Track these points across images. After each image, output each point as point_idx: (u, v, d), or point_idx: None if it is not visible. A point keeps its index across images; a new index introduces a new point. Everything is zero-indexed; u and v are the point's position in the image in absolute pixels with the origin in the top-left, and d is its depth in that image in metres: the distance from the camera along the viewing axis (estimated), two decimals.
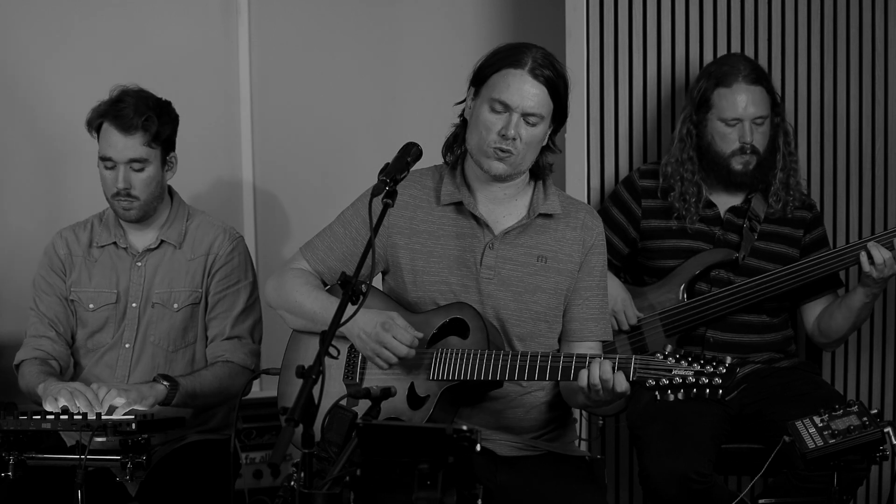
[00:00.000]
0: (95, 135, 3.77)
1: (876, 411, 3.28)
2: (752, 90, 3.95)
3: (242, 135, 4.84)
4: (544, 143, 3.34)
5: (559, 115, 3.30)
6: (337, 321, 2.87)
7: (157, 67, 4.57)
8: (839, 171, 4.48)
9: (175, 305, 3.81)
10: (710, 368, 3.01)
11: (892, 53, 4.46)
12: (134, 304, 3.81)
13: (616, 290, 4.00)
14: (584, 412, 4.18)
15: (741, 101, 3.94)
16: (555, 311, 3.38)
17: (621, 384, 3.08)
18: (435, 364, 3.24)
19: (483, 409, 3.32)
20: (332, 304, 3.24)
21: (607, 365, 3.09)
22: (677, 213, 4.04)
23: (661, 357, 3.06)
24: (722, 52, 4.36)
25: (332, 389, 3.18)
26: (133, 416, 3.43)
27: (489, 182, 3.34)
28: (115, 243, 3.85)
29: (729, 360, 3.02)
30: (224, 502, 3.60)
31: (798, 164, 4.10)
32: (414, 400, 3.26)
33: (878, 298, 4.08)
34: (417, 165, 3.21)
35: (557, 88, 3.26)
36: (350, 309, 2.89)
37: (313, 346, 3.34)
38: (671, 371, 3.03)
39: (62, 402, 3.51)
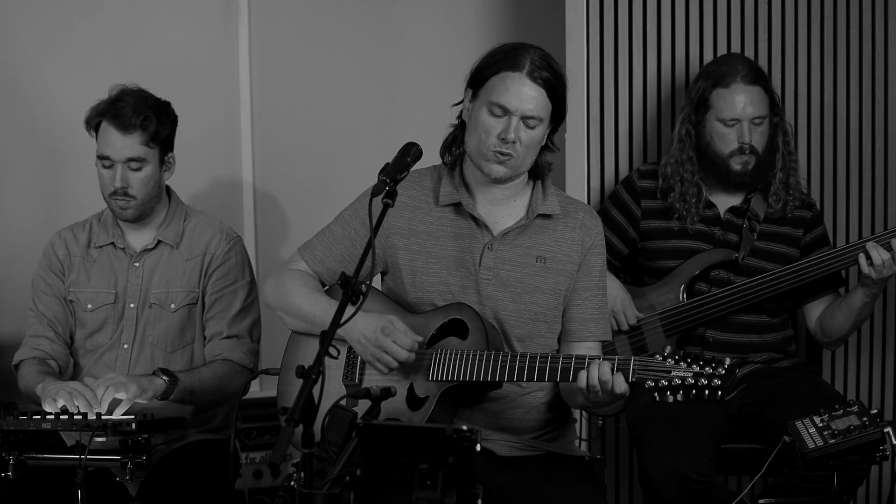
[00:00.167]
0: (94, 133, 3.77)
1: (876, 411, 3.28)
2: (750, 90, 3.95)
3: (242, 135, 4.84)
4: (543, 143, 3.34)
5: (558, 115, 3.30)
6: (337, 321, 2.86)
7: (157, 67, 4.57)
8: (839, 171, 4.48)
9: (172, 306, 3.80)
10: (708, 369, 3.01)
11: (892, 53, 4.46)
12: (132, 305, 3.81)
13: (616, 290, 4.00)
14: (584, 412, 4.18)
15: (739, 101, 3.94)
16: (554, 311, 3.38)
17: (620, 385, 3.09)
18: (434, 365, 3.24)
19: (482, 409, 3.32)
20: (331, 306, 3.24)
21: (606, 366, 3.09)
22: (677, 214, 4.04)
23: (660, 358, 3.06)
24: (722, 52, 4.36)
25: (332, 390, 3.18)
26: (133, 416, 3.43)
27: (488, 184, 3.34)
28: (112, 244, 3.85)
29: (728, 361, 3.02)
30: (224, 502, 3.60)
31: (798, 163, 4.10)
32: (413, 401, 3.26)
33: (879, 298, 4.08)
34: (416, 165, 3.21)
35: (556, 89, 3.26)
36: (350, 309, 2.89)
37: (313, 346, 3.34)
38: (670, 372, 3.03)
39: (61, 403, 3.51)
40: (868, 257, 3.81)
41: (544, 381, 3.20)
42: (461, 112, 3.36)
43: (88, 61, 4.60)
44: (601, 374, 3.09)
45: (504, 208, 3.38)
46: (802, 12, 4.44)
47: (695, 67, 4.31)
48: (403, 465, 2.59)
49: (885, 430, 3.23)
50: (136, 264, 3.83)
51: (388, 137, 4.72)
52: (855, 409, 3.28)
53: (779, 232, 4.04)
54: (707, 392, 3.00)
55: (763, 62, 4.36)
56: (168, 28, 4.71)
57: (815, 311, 4.07)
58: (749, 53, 4.36)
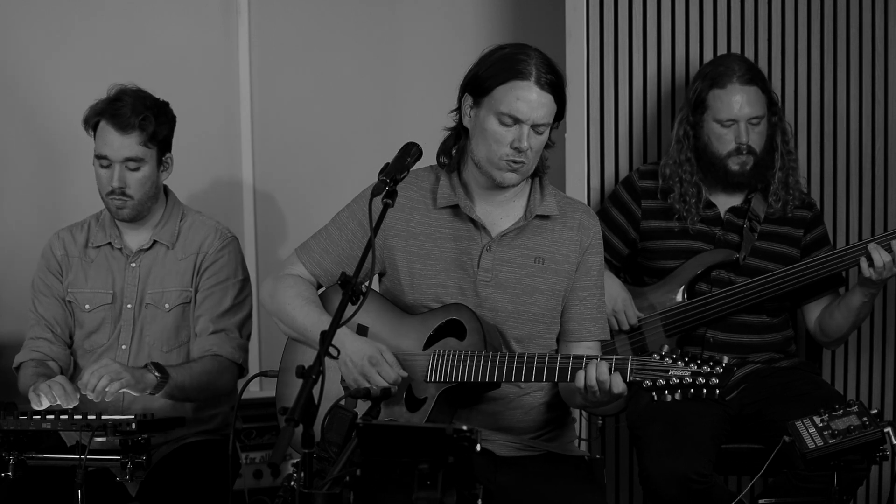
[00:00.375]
0: (92, 133, 3.76)
1: (876, 411, 3.28)
2: (746, 90, 3.95)
3: (242, 135, 4.84)
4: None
5: (559, 113, 3.30)
6: (337, 321, 2.86)
7: (157, 67, 4.57)
8: (839, 171, 4.48)
9: (166, 305, 3.80)
10: (706, 369, 3.01)
11: (892, 53, 4.46)
12: (129, 305, 3.81)
13: (616, 290, 4.00)
14: (583, 412, 4.17)
15: (736, 101, 3.94)
16: (552, 312, 3.37)
17: (618, 385, 3.09)
18: (432, 366, 3.24)
19: (481, 410, 3.32)
20: (324, 321, 3.21)
21: (604, 366, 3.09)
22: (678, 214, 4.04)
23: (658, 357, 3.06)
24: (722, 51, 4.36)
25: (331, 392, 3.17)
26: (133, 416, 3.43)
27: (491, 188, 3.33)
28: (110, 244, 3.85)
29: (726, 360, 3.02)
30: (224, 502, 3.60)
31: (797, 163, 4.10)
32: (412, 402, 3.25)
33: (878, 298, 4.08)
34: (415, 165, 3.21)
35: (561, 91, 3.27)
36: (350, 309, 2.89)
37: (311, 350, 3.34)
38: (668, 372, 3.03)
39: (44, 400, 3.51)
40: (869, 259, 3.81)
41: (542, 381, 3.20)
42: (460, 118, 3.35)
43: (88, 61, 4.60)
44: (599, 374, 3.09)
45: (502, 209, 3.37)
46: (802, 12, 4.44)
47: (695, 67, 4.31)
48: (403, 465, 2.59)
49: (885, 430, 3.23)
50: (133, 265, 3.83)
51: (388, 137, 4.72)
52: (855, 409, 3.28)
53: (779, 232, 4.04)
54: (705, 391, 3.00)
55: (763, 62, 4.36)
56: (168, 28, 4.71)
57: (814, 311, 4.07)
58: (749, 53, 4.36)
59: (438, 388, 3.23)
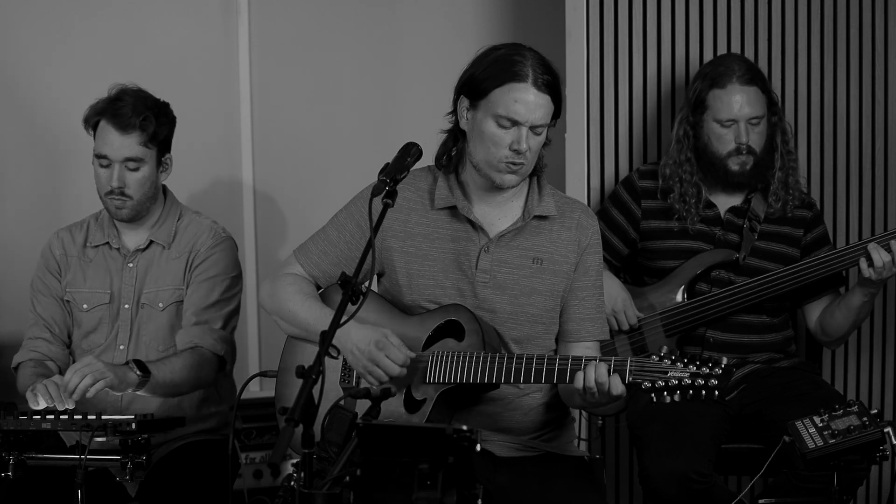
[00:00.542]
0: (92, 132, 3.76)
1: (876, 411, 3.28)
2: (746, 90, 3.95)
3: (242, 135, 4.84)
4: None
5: (556, 112, 3.29)
6: (337, 321, 2.86)
7: (157, 67, 4.57)
8: (839, 171, 4.48)
9: (160, 305, 3.80)
10: (705, 370, 3.01)
11: (892, 53, 4.46)
12: (126, 306, 3.81)
13: (616, 290, 4.00)
14: (583, 412, 4.17)
15: (736, 101, 3.94)
16: (551, 312, 3.37)
17: (617, 387, 3.08)
18: (431, 367, 3.23)
19: (480, 411, 3.31)
20: (325, 315, 3.23)
21: (603, 368, 3.09)
22: (678, 214, 4.04)
23: (657, 359, 3.06)
24: (722, 51, 4.36)
25: (330, 393, 3.18)
26: (133, 416, 3.43)
27: (490, 189, 3.33)
28: (108, 244, 3.85)
29: (725, 361, 3.02)
30: (224, 502, 3.60)
31: (797, 162, 4.10)
32: (411, 403, 3.25)
33: (878, 298, 4.07)
34: (413, 166, 3.21)
35: (558, 91, 3.26)
36: (350, 309, 2.89)
37: (310, 349, 3.34)
38: (667, 373, 3.03)
39: (41, 400, 3.51)
40: (868, 259, 3.81)
41: (541, 382, 3.20)
42: (456, 120, 3.34)
43: (88, 61, 4.60)
44: (598, 375, 3.09)
45: (500, 210, 3.37)
46: (802, 12, 4.44)
47: (695, 67, 4.31)
48: (403, 465, 2.59)
49: (885, 430, 3.23)
50: (130, 265, 3.83)
51: (388, 137, 4.72)
52: (855, 409, 3.28)
53: (779, 232, 4.04)
54: (704, 392, 3.00)
55: (763, 62, 4.36)
56: (168, 28, 4.71)
57: (815, 310, 4.07)
58: (749, 53, 4.36)
59: (437, 389, 3.22)
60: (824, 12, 4.44)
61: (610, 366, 3.09)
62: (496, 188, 3.31)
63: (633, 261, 4.15)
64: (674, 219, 4.05)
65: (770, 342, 4.04)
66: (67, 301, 3.85)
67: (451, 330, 3.27)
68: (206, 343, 3.75)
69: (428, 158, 3.32)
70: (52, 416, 3.43)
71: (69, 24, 4.62)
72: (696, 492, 3.61)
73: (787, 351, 4.07)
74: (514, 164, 3.25)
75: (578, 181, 4.34)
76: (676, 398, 3.02)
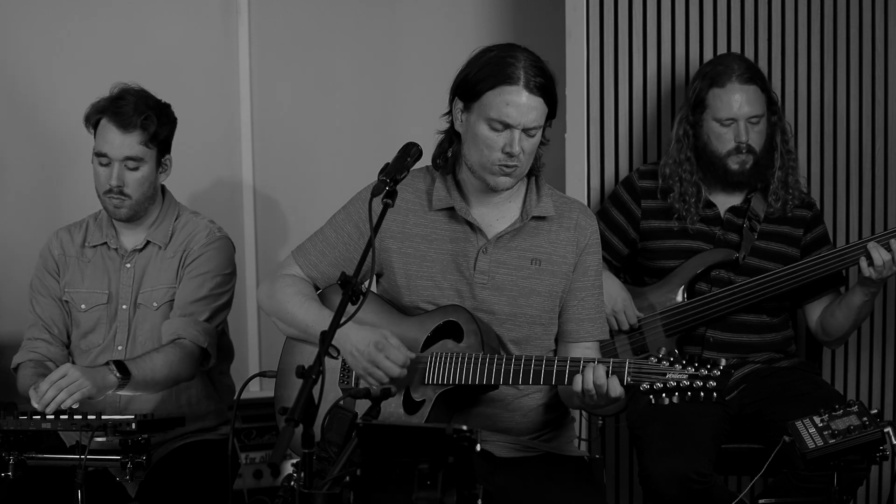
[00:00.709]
0: (92, 130, 3.76)
1: (876, 411, 3.28)
2: (745, 89, 3.95)
3: (242, 135, 4.83)
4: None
5: (551, 112, 3.28)
6: (337, 321, 2.86)
7: (157, 67, 4.57)
8: (839, 171, 4.48)
9: (154, 304, 3.79)
10: (704, 371, 3.00)
11: (892, 53, 4.46)
12: (124, 307, 3.80)
13: (616, 290, 4.00)
14: (584, 412, 4.17)
15: (735, 100, 3.94)
16: (550, 313, 3.37)
17: (615, 389, 3.08)
18: (430, 368, 3.23)
19: (479, 412, 3.31)
20: (324, 316, 3.22)
21: (601, 370, 3.08)
22: (677, 214, 4.04)
23: (655, 360, 3.05)
24: (722, 52, 4.36)
25: (329, 395, 3.17)
26: (133, 416, 3.43)
27: (487, 191, 3.33)
28: (106, 244, 3.85)
29: (723, 362, 3.02)
30: (224, 502, 3.60)
31: (797, 162, 4.10)
32: (410, 404, 3.25)
33: (879, 297, 4.07)
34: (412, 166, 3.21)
35: (552, 93, 3.24)
36: (350, 309, 2.88)
37: (309, 350, 3.34)
38: (665, 375, 3.02)
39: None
40: (868, 258, 3.81)
41: (539, 384, 3.20)
42: (451, 122, 3.33)
43: (88, 61, 4.60)
44: (596, 378, 3.08)
45: (498, 211, 3.37)
46: (802, 12, 4.44)
47: (695, 67, 4.31)
48: (403, 465, 2.59)
49: (885, 430, 3.23)
50: (128, 265, 3.82)
51: (388, 137, 4.72)
52: (855, 409, 3.28)
53: (779, 231, 4.04)
54: (703, 394, 3.00)
55: (763, 62, 4.36)
56: (168, 28, 4.71)
57: (816, 310, 4.07)
58: (749, 53, 4.36)
59: (436, 390, 3.22)
60: (824, 12, 4.44)
61: (608, 367, 3.08)
62: (491, 190, 3.30)
63: (633, 261, 4.15)
64: (673, 218, 4.05)
65: (770, 342, 4.04)
66: (66, 301, 3.84)
67: (449, 331, 3.26)
68: (189, 335, 3.73)
69: (427, 159, 3.32)
70: (52, 416, 3.43)
71: (69, 24, 4.62)
72: (696, 492, 3.61)
73: (787, 351, 4.07)
74: (507, 166, 3.24)
75: (578, 181, 4.34)
76: (675, 400, 3.01)
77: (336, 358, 3.26)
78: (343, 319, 2.87)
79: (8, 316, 4.46)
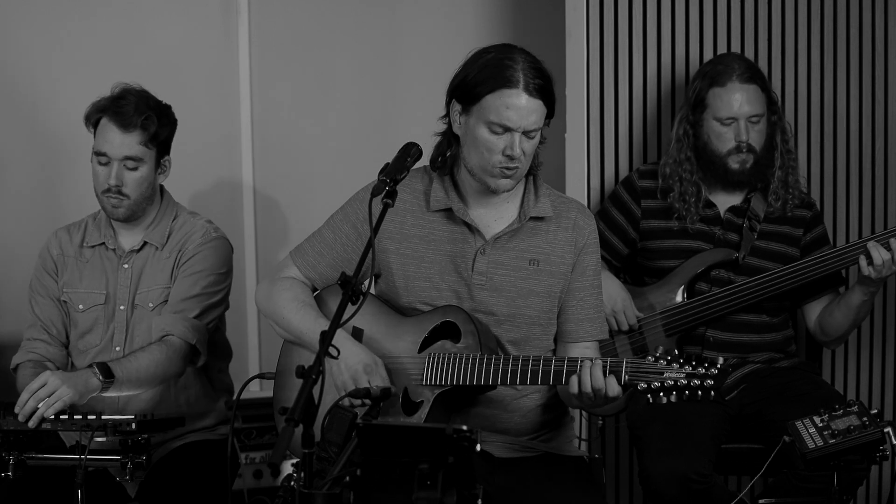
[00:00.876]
0: (92, 129, 3.76)
1: (876, 411, 3.28)
2: (746, 89, 3.95)
3: (242, 135, 4.83)
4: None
5: (550, 112, 3.27)
6: (337, 321, 2.86)
7: (157, 67, 4.57)
8: (839, 171, 4.48)
9: (150, 304, 3.79)
10: (701, 370, 3.01)
11: (892, 53, 4.46)
12: (122, 307, 3.80)
13: (616, 290, 4.00)
14: (583, 412, 4.17)
15: (736, 99, 3.94)
16: (548, 314, 3.36)
17: (613, 388, 3.08)
18: (428, 369, 3.23)
19: (478, 412, 3.31)
20: (320, 325, 3.20)
21: (598, 370, 3.08)
22: (677, 214, 4.04)
23: (653, 360, 3.05)
24: (722, 52, 4.36)
25: (327, 397, 3.17)
26: (133, 416, 3.43)
27: (485, 193, 3.32)
28: (104, 244, 3.84)
29: (721, 361, 3.02)
30: (223, 502, 3.60)
31: (797, 161, 4.10)
32: (408, 405, 3.25)
33: (878, 297, 4.07)
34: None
35: (550, 93, 3.23)
36: (350, 309, 2.88)
37: (307, 352, 3.34)
38: (662, 374, 3.03)
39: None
40: (868, 257, 3.82)
41: (537, 384, 3.20)
42: (450, 124, 3.32)
43: (88, 61, 4.60)
44: (593, 378, 3.08)
45: (496, 211, 3.36)
46: (802, 12, 4.44)
47: (695, 67, 4.31)
48: (403, 465, 2.59)
49: (885, 430, 3.23)
50: (126, 266, 3.82)
51: (388, 137, 4.72)
52: (855, 409, 3.28)
53: (779, 231, 4.04)
54: (700, 393, 3.00)
55: (763, 62, 4.36)
56: (168, 28, 4.71)
57: (815, 310, 4.07)
58: (749, 53, 4.36)
59: (434, 391, 3.22)
60: (824, 12, 4.44)
61: (605, 367, 3.08)
62: (491, 192, 3.30)
63: (632, 261, 4.15)
64: (673, 218, 4.05)
65: (770, 342, 4.04)
66: (64, 301, 3.84)
67: (447, 331, 3.26)
68: (177, 331, 3.71)
69: (424, 160, 3.31)
70: (53, 416, 3.43)
71: (69, 24, 4.61)
72: (696, 492, 3.61)
73: (787, 351, 4.08)
74: (508, 168, 3.23)
75: (578, 181, 4.34)
76: (673, 399, 3.02)
77: (336, 357, 3.26)
78: (343, 320, 2.87)
79: (8, 316, 4.46)
